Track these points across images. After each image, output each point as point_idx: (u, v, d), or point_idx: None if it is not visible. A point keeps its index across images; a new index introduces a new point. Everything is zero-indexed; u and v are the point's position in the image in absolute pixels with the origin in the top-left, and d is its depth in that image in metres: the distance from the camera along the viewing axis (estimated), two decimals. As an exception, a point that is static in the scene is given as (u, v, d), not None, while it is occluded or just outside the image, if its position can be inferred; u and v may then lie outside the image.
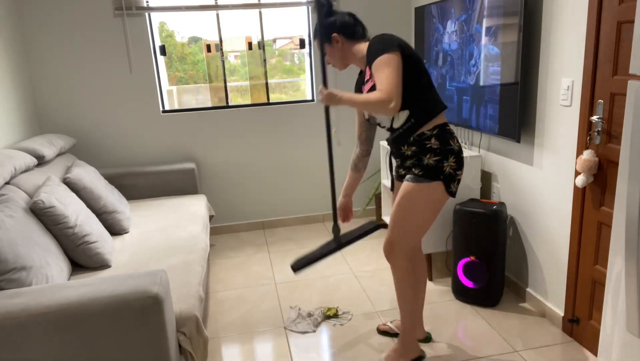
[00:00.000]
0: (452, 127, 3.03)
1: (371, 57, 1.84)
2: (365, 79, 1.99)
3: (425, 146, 1.90)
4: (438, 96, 1.95)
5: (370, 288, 2.92)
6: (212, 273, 3.26)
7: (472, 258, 2.60)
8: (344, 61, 2.04)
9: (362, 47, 1.99)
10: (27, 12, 3.29)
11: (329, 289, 2.94)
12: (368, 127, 2.18)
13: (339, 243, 2.03)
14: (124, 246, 2.57)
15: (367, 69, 1.94)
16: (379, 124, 2.06)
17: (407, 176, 1.95)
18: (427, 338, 2.36)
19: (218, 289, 3.01)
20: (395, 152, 2.05)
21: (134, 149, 3.66)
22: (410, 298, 2.06)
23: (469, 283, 2.65)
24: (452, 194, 1.94)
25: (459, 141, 1.97)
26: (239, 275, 3.20)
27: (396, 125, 1.94)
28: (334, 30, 1.98)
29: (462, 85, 2.92)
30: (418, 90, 1.88)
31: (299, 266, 1.97)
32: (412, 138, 1.92)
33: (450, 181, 1.91)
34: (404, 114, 1.90)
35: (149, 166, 3.49)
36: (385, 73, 1.76)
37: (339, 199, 2.30)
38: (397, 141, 1.98)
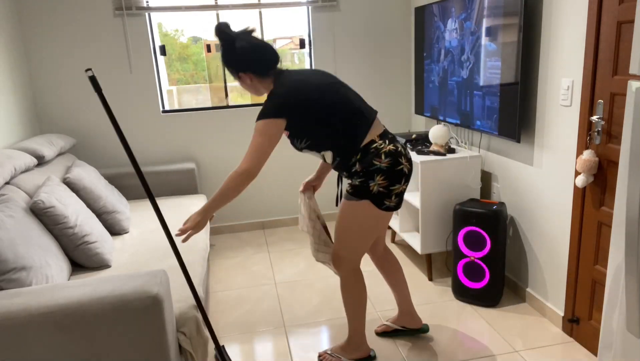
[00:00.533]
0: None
1: (258, 115, 1.83)
2: None
3: (351, 171, 1.94)
4: (359, 114, 1.91)
5: (370, 288, 2.92)
6: (212, 273, 3.26)
7: (472, 258, 2.60)
8: (260, 92, 1.98)
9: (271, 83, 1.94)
10: (27, 12, 3.29)
11: (329, 289, 2.94)
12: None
13: None
14: (124, 246, 2.57)
15: None
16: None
17: (344, 193, 2.01)
18: (423, 329, 2.40)
19: (218, 290, 3.01)
20: (339, 175, 2.16)
21: (134, 149, 3.65)
22: (354, 304, 2.10)
23: (469, 283, 2.65)
24: (389, 209, 1.94)
25: (398, 149, 1.91)
26: (239, 275, 3.20)
27: (328, 161, 2.00)
28: (240, 69, 1.90)
29: (462, 85, 2.92)
30: (331, 133, 1.89)
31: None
32: (344, 169, 1.97)
33: (384, 198, 1.90)
34: (329, 154, 1.95)
35: (149, 166, 3.49)
36: (254, 143, 1.79)
37: (309, 177, 2.30)
38: (336, 169, 2.03)
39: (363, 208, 1.93)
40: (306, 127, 1.88)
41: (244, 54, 1.86)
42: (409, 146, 3.15)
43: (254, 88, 1.95)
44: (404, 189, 1.96)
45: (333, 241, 2.10)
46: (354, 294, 2.09)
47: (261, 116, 1.81)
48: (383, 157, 1.88)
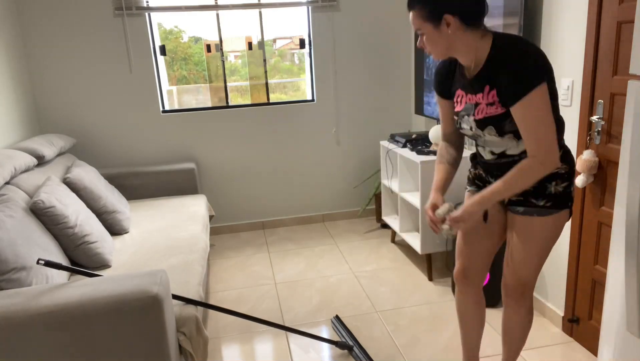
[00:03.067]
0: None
1: (518, 87, 1.37)
2: (476, 100, 1.55)
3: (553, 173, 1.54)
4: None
5: (370, 288, 2.92)
6: (212, 273, 3.26)
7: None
8: (448, 51, 1.50)
9: (478, 40, 1.47)
10: (27, 13, 3.29)
11: (329, 289, 2.94)
12: (458, 134, 1.76)
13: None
14: (124, 246, 2.57)
15: (487, 87, 1.49)
16: (475, 139, 1.64)
17: (525, 209, 1.58)
18: None
19: (218, 290, 3.01)
20: (497, 175, 1.63)
21: (134, 149, 3.66)
22: (524, 340, 1.81)
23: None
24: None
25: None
26: (239, 275, 3.20)
27: (513, 152, 1.55)
28: (448, 9, 1.41)
29: (462, 85, 2.92)
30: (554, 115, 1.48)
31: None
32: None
33: (572, 204, 1.61)
34: (519, 144, 1.55)
35: (149, 166, 3.49)
36: (541, 123, 1.37)
37: (430, 194, 1.72)
38: (505, 166, 1.56)
39: (563, 219, 1.57)
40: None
41: None
42: (408, 145, 3.15)
43: (448, 43, 1.47)
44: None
45: (513, 268, 1.69)
46: (527, 331, 1.80)
47: (529, 86, 1.35)
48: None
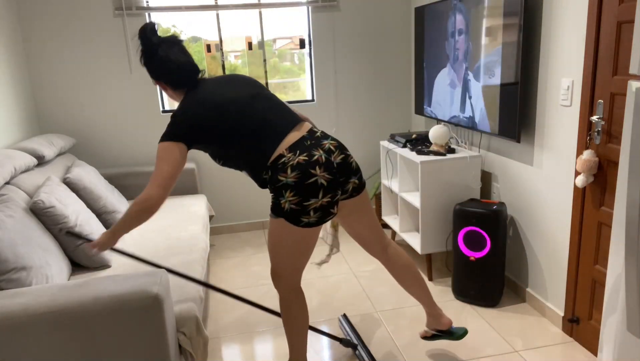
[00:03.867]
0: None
1: (161, 136, 1.80)
2: None
3: (268, 188, 1.83)
4: (266, 129, 1.79)
5: (370, 288, 2.92)
6: (212, 273, 3.26)
7: (472, 258, 2.61)
8: (178, 100, 1.91)
9: (181, 94, 1.90)
10: (27, 13, 3.29)
11: (329, 289, 2.94)
12: None
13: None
14: (124, 246, 2.57)
15: None
16: None
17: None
18: (456, 333, 2.16)
19: (218, 289, 3.01)
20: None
21: (134, 149, 3.66)
22: (292, 325, 1.95)
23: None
24: (310, 225, 1.75)
25: (312, 158, 1.74)
26: (239, 275, 3.20)
27: (254, 179, 1.88)
28: (156, 77, 1.87)
29: (462, 85, 2.92)
30: (238, 152, 1.80)
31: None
32: (267, 184, 1.82)
33: (299, 215, 1.73)
34: (245, 173, 1.89)
35: (149, 166, 3.49)
36: (155, 168, 1.73)
37: None
38: (261, 185, 1.90)
39: (281, 225, 1.77)
40: (211, 148, 1.80)
41: (161, 65, 1.82)
42: (408, 145, 3.14)
43: (171, 96, 1.93)
44: (327, 202, 1.74)
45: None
46: (291, 314, 1.93)
47: (161, 138, 1.75)
48: (289, 171, 1.71)
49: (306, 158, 1.73)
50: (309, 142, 1.79)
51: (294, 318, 1.94)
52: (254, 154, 1.78)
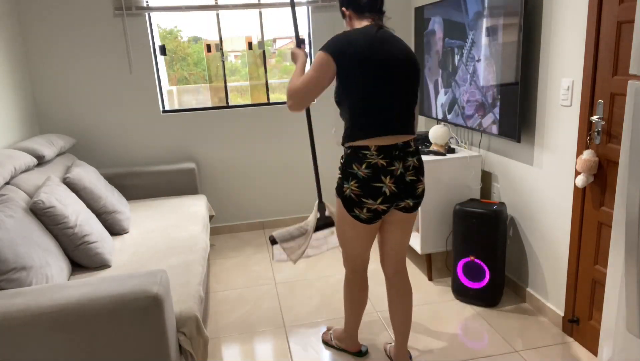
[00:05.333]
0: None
1: None
2: None
3: (341, 161, 1.89)
4: (375, 113, 1.79)
5: (370, 288, 2.92)
6: (212, 273, 3.26)
7: (472, 258, 2.61)
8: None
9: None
10: (27, 12, 3.29)
11: (328, 289, 2.94)
12: None
13: (325, 220, 2.26)
14: (124, 246, 2.57)
15: None
16: None
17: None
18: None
19: (218, 289, 3.01)
20: None
21: (134, 149, 3.66)
22: (347, 303, 2.19)
23: (469, 283, 2.65)
24: (359, 219, 1.86)
25: (390, 168, 1.80)
26: (239, 275, 3.20)
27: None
28: (342, 3, 1.91)
29: (462, 85, 2.92)
30: (349, 107, 1.82)
31: (278, 238, 2.23)
32: (343, 159, 1.89)
33: (353, 205, 1.84)
34: (341, 124, 1.97)
35: (149, 166, 3.49)
36: (307, 72, 1.79)
37: None
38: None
39: (340, 207, 1.92)
40: (341, 80, 1.80)
41: None
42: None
43: (351, 27, 1.90)
44: (382, 209, 1.83)
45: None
46: (349, 292, 2.16)
47: (320, 49, 1.79)
48: (364, 166, 1.79)
49: (384, 164, 1.80)
50: (397, 153, 1.82)
51: (351, 296, 2.16)
52: (357, 120, 1.80)
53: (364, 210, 1.84)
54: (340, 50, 1.75)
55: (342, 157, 1.89)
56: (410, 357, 2.23)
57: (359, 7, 1.86)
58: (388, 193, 1.81)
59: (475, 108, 2.81)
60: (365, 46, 1.74)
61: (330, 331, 2.39)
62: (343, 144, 1.89)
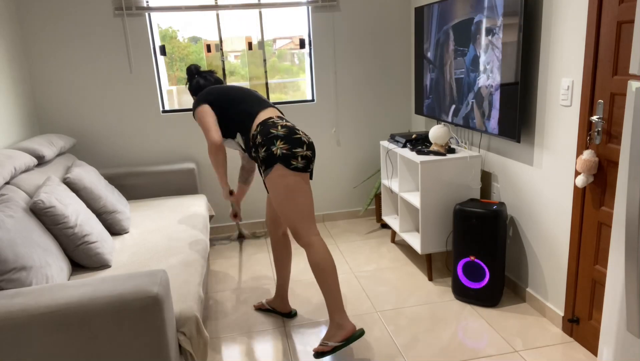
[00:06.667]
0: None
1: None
2: None
3: (256, 144, 2.21)
4: (249, 106, 2.32)
5: (370, 288, 2.92)
6: (212, 273, 3.26)
7: (472, 258, 2.61)
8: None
9: None
10: (27, 12, 3.29)
11: (329, 289, 2.94)
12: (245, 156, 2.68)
13: None
14: (124, 246, 2.57)
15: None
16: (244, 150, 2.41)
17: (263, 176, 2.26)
18: (291, 314, 2.64)
19: (218, 289, 3.01)
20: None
21: (134, 149, 3.66)
22: (323, 277, 2.18)
23: (469, 283, 2.65)
24: (298, 169, 2.14)
25: (295, 128, 2.22)
26: (239, 275, 3.20)
27: (242, 145, 2.36)
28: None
29: (462, 85, 2.92)
30: (230, 119, 2.32)
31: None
32: (252, 146, 2.25)
33: (289, 159, 2.12)
34: (239, 137, 2.33)
35: (149, 166, 3.49)
36: (203, 123, 2.33)
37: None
38: (250, 155, 2.34)
39: (277, 172, 2.13)
40: (218, 112, 2.34)
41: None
42: (408, 145, 3.15)
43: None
44: (308, 155, 2.16)
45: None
46: (320, 266, 2.16)
47: (193, 108, 2.42)
48: (279, 127, 2.17)
49: (291, 125, 2.22)
50: (291, 123, 2.27)
51: (323, 269, 2.16)
52: (245, 115, 2.29)
53: (299, 158, 2.14)
54: (209, 98, 2.39)
55: (252, 138, 2.24)
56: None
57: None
58: (307, 142, 2.18)
59: (475, 108, 2.81)
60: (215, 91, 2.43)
61: (322, 344, 2.19)
62: (248, 135, 2.29)
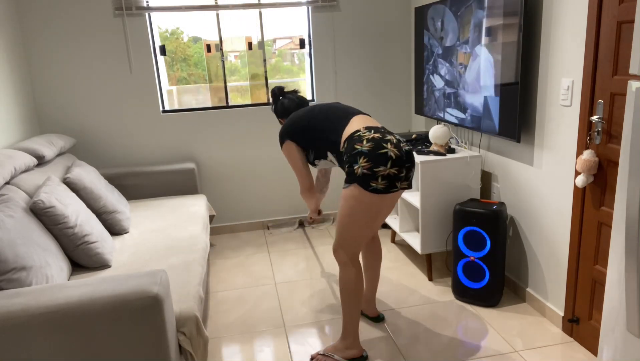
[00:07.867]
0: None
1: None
2: None
3: (344, 161, 2.09)
4: (333, 124, 2.19)
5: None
6: (212, 273, 3.26)
7: (472, 258, 2.61)
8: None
9: None
10: (27, 13, 3.29)
11: (328, 289, 2.94)
12: (324, 173, 2.73)
13: None
14: (124, 246, 2.57)
15: None
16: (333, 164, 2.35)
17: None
18: (379, 318, 2.56)
19: (218, 289, 3.01)
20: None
21: (134, 149, 3.66)
22: (349, 296, 2.16)
23: (469, 283, 2.65)
24: (377, 191, 2.00)
25: (385, 137, 2.04)
26: (239, 275, 3.20)
27: (338, 163, 2.24)
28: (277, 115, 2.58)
29: (462, 85, 2.92)
30: (318, 143, 2.23)
31: None
32: (345, 162, 2.10)
33: (369, 180, 1.98)
34: (331, 155, 2.22)
35: (149, 166, 3.49)
36: (292, 166, 2.36)
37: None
38: (344, 170, 2.16)
39: (352, 192, 2.03)
40: (304, 141, 2.28)
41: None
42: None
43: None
44: (393, 173, 1.99)
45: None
46: (350, 284, 2.14)
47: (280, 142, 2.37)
48: (365, 142, 2.02)
49: (380, 136, 2.04)
50: (382, 129, 2.10)
51: (355, 284, 2.15)
52: (331, 132, 2.17)
53: (379, 179, 1.98)
54: (292, 131, 2.32)
55: (343, 153, 2.10)
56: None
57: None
58: (394, 157, 1.99)
59: (475, 108, 2.81)
60: (299, 117, 2.33)
61: (323, 352, 2.24)
62: (338, 153, 2.17)
